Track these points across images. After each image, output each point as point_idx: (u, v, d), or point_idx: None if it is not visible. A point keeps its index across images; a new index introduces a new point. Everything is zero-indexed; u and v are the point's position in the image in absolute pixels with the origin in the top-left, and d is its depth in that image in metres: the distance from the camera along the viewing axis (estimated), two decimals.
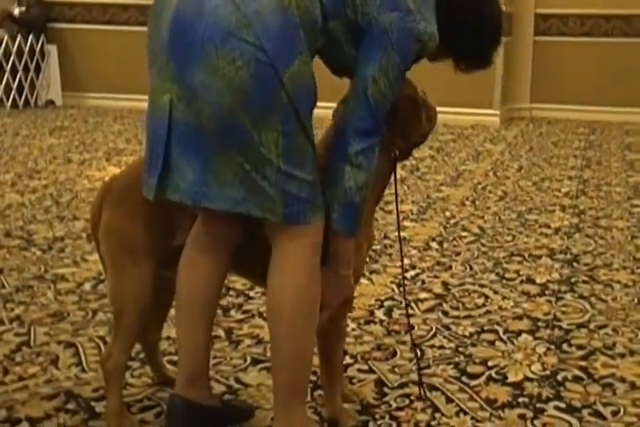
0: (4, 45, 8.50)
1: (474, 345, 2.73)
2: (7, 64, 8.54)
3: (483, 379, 2.48)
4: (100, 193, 2.18)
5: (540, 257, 3.76)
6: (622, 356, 2.66)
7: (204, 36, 1.69)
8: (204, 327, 2.06)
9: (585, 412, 2.29)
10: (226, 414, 2.16)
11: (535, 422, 2.23)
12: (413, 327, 2.57)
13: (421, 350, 2.66)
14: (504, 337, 2.80)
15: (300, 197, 1.83)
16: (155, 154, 1.83)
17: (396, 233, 4.04)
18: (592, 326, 2.92)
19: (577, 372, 2.54)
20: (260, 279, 2.08)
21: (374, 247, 3.62)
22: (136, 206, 2.07)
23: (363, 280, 3.22)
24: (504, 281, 3.41)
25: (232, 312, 3.00)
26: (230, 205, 1.80)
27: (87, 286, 3.27)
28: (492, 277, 3.47)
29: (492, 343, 2.75)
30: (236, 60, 1.69)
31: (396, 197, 2.26)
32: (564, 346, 2.73)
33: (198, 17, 1.70)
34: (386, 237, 4.01)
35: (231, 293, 3.17)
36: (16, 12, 8.67)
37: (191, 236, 2.03)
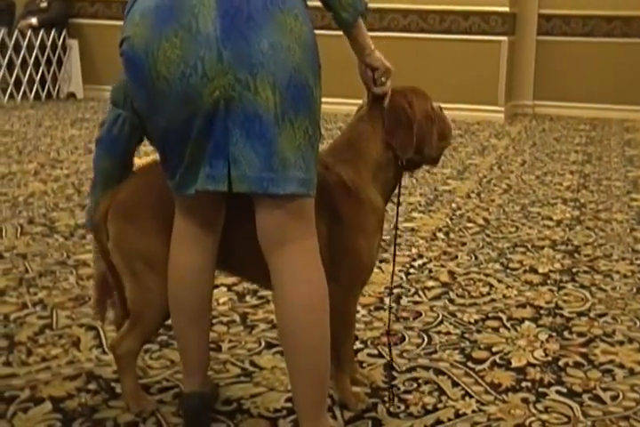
0: (27, 40, 8.54)
1: (479, 332, 2.78)
2: (30, 58, 8.58)
3: (487, 364, 2.53)
4: (105, 203, 2.16)
5: (542, 248, 3.80)
6: (621, 343, 2.70)
7: (265, 1, 1.72)
8: (205, 323, 2.08)
9: (585, 396, 2.33)
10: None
11: (537, 405, 2.27)
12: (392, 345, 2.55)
13: (429, 336, 2.72)
14: (508, 324, 2.85)
15: None
16: (212, 147, 1.78)
17: (405, 224, 4.15)
18: (592, 314, 2.96)
19: (578, 358, 2.58)
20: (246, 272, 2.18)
21: (384, 237, 3.67)
22: (147, 222, 2.08)
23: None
24: (508, 271, 3.46)
25: (247, 298, 3.05)
26: (296, 188, 1.79)
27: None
28: (497, 266, 3.51)
29: (496, 330, 2.80)
30: (298, 15, 1.75)
31: (397, 207, 2.32)
32: (566, 333, 2.78)
33: None
34: (395, 227, 4.06)
35: None
36: (34, 21, 8.75)
37: (175, 232, 2.00)
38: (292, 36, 1.73)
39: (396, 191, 2.25)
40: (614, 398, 2.33)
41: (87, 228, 2.25)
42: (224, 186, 1.79)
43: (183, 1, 1.71)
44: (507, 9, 8.18)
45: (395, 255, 2.40)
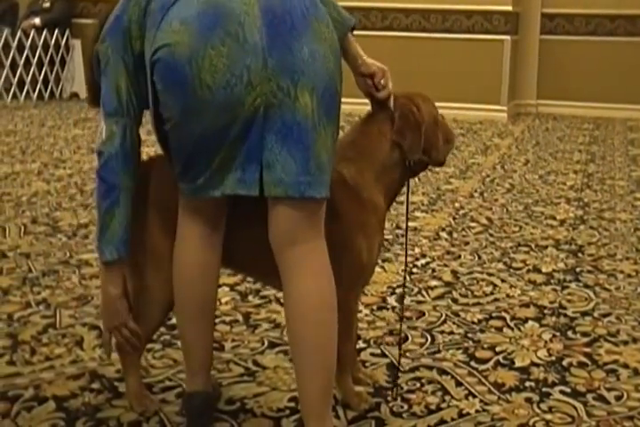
0: (30, 40, 8.56)
1: (482, 331, 2.78)
2: (34, 58, 8.61)
3: (491, 364, 2.52)
4: None
5: (545, 247, 3.80)
6: (625, 343, 2.70)
7: (302, 10, 1.77)
8: (209, 322, 2.09)
9: (589, 396, 2.32)
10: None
11: (541, 405, 2.27)
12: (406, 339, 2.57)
13: (432, 336, 2.72)
14: (511, 324, 2.85)
15: None
16: (245, 152, 1.80)
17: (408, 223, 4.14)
18: (596, 314, 2.96)
19: (582, 358, 2.58)
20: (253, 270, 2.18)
21: (386, 237, 3.68)
22: (150, 216, 2.08)
23: (375, 268, 3.28)
24: (511, 270, 3.45)
25: (250, 297, 3.05)
26: (327, 191, 1.85)
27: None
28: (500, 266, 3.51)
29: (499, 330, 2.80)
30: (328, 24, 1.82)
31: (407, 205, 2.32)
32: (569, 333, 2.77)
33: (285, 0, 1.77)
34: (397, 227, 4.05)
35: (249, 279, 3.19)
36: (37, 21, 8.78)
37: (180, 231, 2.00)
38: (327, 43, 1.80)
39: (404, 191, 2.25)
40: (618, 398, 2.33)
41: (111, 261, 1.99)
42: (255, 190, 1.82)
43: (227, 9, 1.73)
44: (509, 8, 8.18)
45: (407, 254, 2.40)
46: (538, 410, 2.25)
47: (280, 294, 2.92)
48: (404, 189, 2.25)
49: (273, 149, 1.78)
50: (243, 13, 1.73)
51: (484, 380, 2.42)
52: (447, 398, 2.31)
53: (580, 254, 3.71)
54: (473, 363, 2.53)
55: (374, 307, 2.99)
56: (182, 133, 1.83)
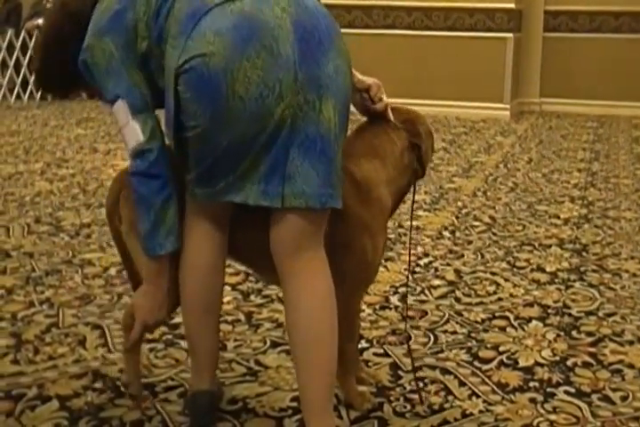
0: (33, 40, 8.56)
1: (485, 331, 2.77)
2: None
3: (494, 364, 2.51)
4: (116, 185, 2.17)
5: (549, 246, 3.79)
6: (631, 343, 2.69)
7: (326, 26, 1.84)
8: (215, 321, 2.10)
9: (594, 397, 2.31)
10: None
11: (545, 405, 2.26)
12: (410, 338, 2.62)
13: (435, 335, 2.72)
14: (515, 323, 2.84)
15: None
16: (269, 164, 1.81)
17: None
18: (601, 313, 2.95)
19: (586, 358, 2.56)
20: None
21: (389, 236, 3.66)
22: None
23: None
24: (515, 269, 3.44)
25: (252, 297, 3.05)
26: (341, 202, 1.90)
27: (113, 271, 3.32)
28: (504, 265, 3.50)
29: (503, 329, 2.79)
30: (343, 38, 1.89)
31: (412, 207, 2.37)
32: (574, 333, 2.76)
33: (312, 16, 1.81)
34: (400, 226, 4.04)
35: (250, 278, 3.21)
36: (41, 22, 8.78)
37: (187, 231, 2.01)
38: (346, 59, 1.87)
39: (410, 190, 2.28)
40: (624, 398, 2.32)
41: (170, 252, 1.99)
42: (279, 202, 1.84)
43: (261, 23, 1.76)
44: (512, 5, 8.17)
45: (410, 253, 2.39)
46: (542, 410, 2.24)
47: (282, 294, 2.92)
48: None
49: (294, 161, 1.81)
50: (276, 27, 1.76)
51: (487, 380, 2.41)
52: (450, 398, 2.30)
53: (584, 253, 3.70)
54: (476, 363, 2.53)
55: (377, 306, 2.98)
56: (209, 141, 1.83)
